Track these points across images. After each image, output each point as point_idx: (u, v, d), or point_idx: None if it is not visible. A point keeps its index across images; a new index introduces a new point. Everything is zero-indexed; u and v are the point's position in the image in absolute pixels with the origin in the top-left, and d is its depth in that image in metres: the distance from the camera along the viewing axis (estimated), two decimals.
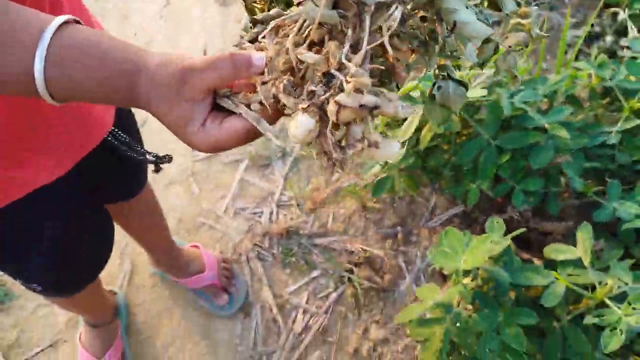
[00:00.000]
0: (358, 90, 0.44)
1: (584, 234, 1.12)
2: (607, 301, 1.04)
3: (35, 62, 0.50)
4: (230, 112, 0.54)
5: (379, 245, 1.69)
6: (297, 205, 1.79)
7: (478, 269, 1.15)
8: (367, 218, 1.75)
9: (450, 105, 0.58)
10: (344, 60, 0.46)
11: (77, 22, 0.54)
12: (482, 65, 0.63)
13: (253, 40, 0.56)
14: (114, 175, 1.14)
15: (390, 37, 0.50)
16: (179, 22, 2.45)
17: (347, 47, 0.47)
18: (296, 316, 1.61)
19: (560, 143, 1.34)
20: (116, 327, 1.56)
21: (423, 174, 1.63)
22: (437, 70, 0.60)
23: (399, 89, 0.56)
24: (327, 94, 0.47)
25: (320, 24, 0.49)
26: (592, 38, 2.02)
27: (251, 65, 0.52)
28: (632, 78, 1.45)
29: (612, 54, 1.88)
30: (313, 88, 0.48)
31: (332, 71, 0.47)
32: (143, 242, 1.57)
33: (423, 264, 1.65)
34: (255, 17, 0.55)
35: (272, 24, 0.52)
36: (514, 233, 1.17)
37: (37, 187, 0.86)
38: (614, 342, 0.98)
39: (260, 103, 0.52)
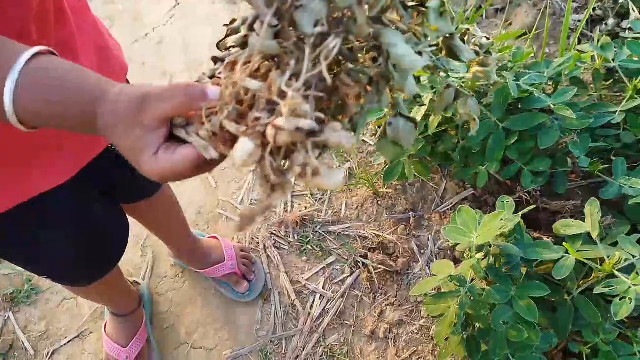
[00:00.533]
0: (297, 115, 0.45)
1: (592, 208, 1.16)
2: (616, 272, 1.08)
3: (5, 85, 0.53)
4: (185, 142, 0.54)
5: (392, 230, 1.74)
6: (311, 194, 1.84)
7: (490, 246, 1.19)
8: (379, 204, 1.79)
9: (401, 141, 0.58)
10: (283, 87, 0.47)
11: (52, 52, 0.57)
12: (445, 109, 0.65)
13: (212, 77, 0.57)
14: (124, 180, 1.17)
15: (339, 73, 0.52)
16: (189, 21, 2.50)
17: (287, 75, 0.48)
18: (314, 301, 1.66)
19: (566, 123, 1.38)
20: (140, 317, 1.61)
21: (433, 159, 1.67)
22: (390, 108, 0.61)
23: (353, 125, 0.57)
24: (270, 120, 0.47)
25: (269, 57, 0.50)
26: (594, 22, 2.05)
27: (206, 97, 0.53)
28: (635, 58, 1.49)
29: (614, 36, 1.91)
30: (258, 115, 0.49)
31: (274, 98, 0.48)
32: (162, 237, 1.62)
33: (435, 247, 1.69)
34: (215, 55, 0.56)
35: (227, 60, 0.53)
36: (525, 210, 1.21)
37: (43, 190, 0.89)
38: (623, 310, 1.02)
39: (210, 132, 0.52)
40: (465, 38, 0.65)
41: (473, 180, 1.55)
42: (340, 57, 0.54)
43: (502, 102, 1.44)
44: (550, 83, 1.56)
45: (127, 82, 1.06)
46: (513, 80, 1.42)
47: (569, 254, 1.12)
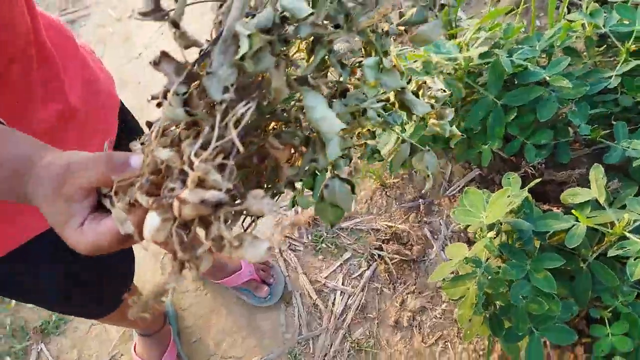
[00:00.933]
0: (209, 186, 0.44)
1: (596, 174, 1.16)
2: (627, 234, 1.09)
3: None
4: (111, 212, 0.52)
5: (403, 219, 1.75)
6: None
7: (501, 224, 1.20)
8: (387, 195, 1.81)
9: (339, 203, 0.57)
10: (192, 157, 0.45)
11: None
12: (403, 163, 0.64)
13: (144, 143, 0.54)
14: None
15: (267, 136, 0.51)
16: None
17: (198, 144, 0.46)
18: (335, 298, 1.68)
19: (563, 94, 1.39)
20: (168, 333, 1.64)
21: (435, 144, 1.68)
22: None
23: (293, 186, 0.55)
24: (181, 189, 0.45)
25: (191, 124, 0.49)
26: None
27: (128, 166, 0.51)
28: (625, 21, 1.49)
29: (603, 2, 1.91)
30: (171, 185, 0.46)
31: (185, 168, 0.45)
32: None
33: (448, 231, 1.71)
34: (149, 120, 0.54)
35: (154, 127, 0.51)
36: (531, 184, 1.22)
37: (34, 235, 0.89)
38: (638, 270, 1.03)
39: (127, 204, 0.50)
40: (421, 92, 0.65)
41: (478, 160, 1.56)
42: (273, 120, 0.52)
43: (497, 79, 1.45)
44: (544, 55, 1.57)
45: (120, 113, 1.06)
46: (506, 57, 1.43)
47: (579, 222, 1.13)
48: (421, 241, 1.69)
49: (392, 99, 0.59)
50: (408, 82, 0.62)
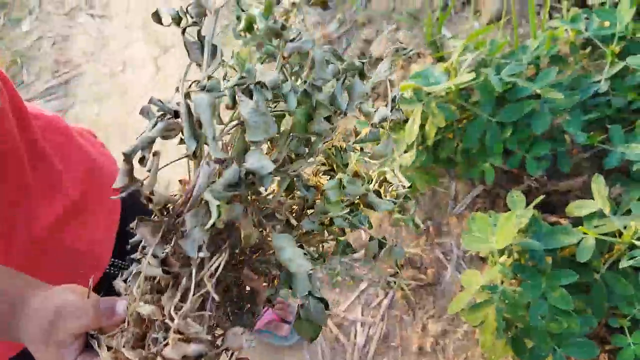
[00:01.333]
0: (187, 340, 0.46)
1: (598, 184, 1.18)
2: (636, 242, 1.10)
3: None
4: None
5: (414, 243, 1.76)
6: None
7: (511, 245, 1.21)
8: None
9: (315, 321, 0.60)
10: (172, 313, 0.47)
11: None
12: (374, 257, 0.67)
13: (126, 280, 0.57)
14: None
15: (242, 268, 0.54)
16: (172, 87, 2.56)
17: (177, 298, 0.49)
18: (356, 330, 1.68)
19: (555, 105, 1.40)
20: None
21: (437, 166, 1.69)
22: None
23: (271, 303, 0.59)
24: (163, 344, 0.48)
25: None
26: None
27: (114, 313, 0.54)
28: (606, 23, 1.51)
29: (582, 4, 1.94)
30: (155, 336, 0.49)
31: (167, 321, 0.48)
32: None
33: (460, 251, 1.71)
34: (131, 257, 0.56)
35: (135, 270, 0.53)
36: (535, 201, 1.23)
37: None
38: None
39: (114, 353, 0.52)
40: (382, 189, 0.68)
41: (481, 177, 1.57)
42: (247, 250, 0.55)
43: (489, 98, 1.46)
44: (531, 66, 1.58)
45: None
46: (495, 75, 1.45)
47: (587, 234, 1.14)
48: (435, 263, 1.70)
49: (356, 200, 0.62)
50: (369, 182, 0.66)
